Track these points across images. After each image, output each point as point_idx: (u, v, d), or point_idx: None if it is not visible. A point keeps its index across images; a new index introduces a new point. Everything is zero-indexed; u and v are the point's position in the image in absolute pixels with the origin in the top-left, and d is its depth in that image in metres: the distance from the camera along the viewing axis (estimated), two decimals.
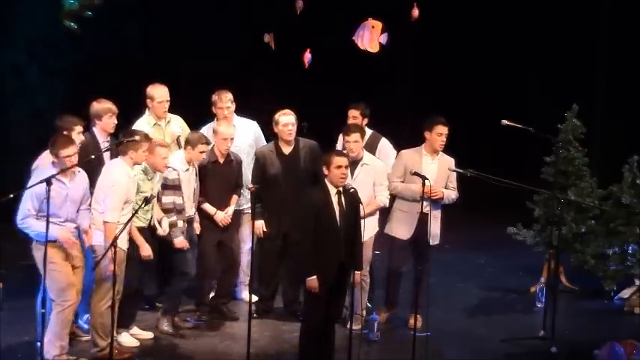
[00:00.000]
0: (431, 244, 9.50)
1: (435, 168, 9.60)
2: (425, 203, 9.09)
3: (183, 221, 9.27)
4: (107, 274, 8.40)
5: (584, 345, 9.26)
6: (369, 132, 10.05)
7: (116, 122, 9.33)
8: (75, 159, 8.25)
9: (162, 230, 9.10)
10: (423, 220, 9.41)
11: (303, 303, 8.65)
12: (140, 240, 8.88)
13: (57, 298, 8.26)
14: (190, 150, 9.33)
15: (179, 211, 9.23)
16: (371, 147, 9.98)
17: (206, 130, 10.02)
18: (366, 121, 10.13)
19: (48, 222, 7.93)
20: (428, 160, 9.67)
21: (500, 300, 11.16)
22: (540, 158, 11.31)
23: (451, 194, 9.66)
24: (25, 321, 9.09)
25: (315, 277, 8.13)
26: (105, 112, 9.27)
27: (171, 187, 9.21)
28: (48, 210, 7.93)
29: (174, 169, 9.24)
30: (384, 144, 10.16)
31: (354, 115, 10.10)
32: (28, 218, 8.15)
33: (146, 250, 8.89)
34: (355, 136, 9.44)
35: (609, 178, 11.39)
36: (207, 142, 9.45)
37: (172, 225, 9.15)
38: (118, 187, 8.56)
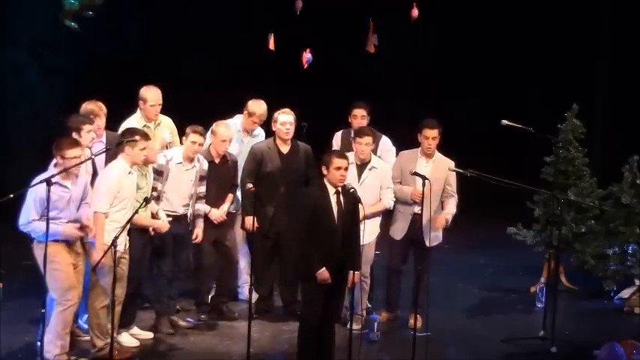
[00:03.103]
0: (428, 245, 9.42)
1: (429, 170, 9.54)
2: (418, 205, 9.17)
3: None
4: (103, 274, 8.42)
5: (584, 345, 9.26)
6: None
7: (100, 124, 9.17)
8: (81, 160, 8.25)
9: (161, 221, 9.08)
10: (416, 222, 9.45)
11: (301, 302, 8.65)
12: (149, 222, 8.95)
13: (59, 298, 8.24)
14: (185, 140, 9.31)
15: (157, 197, 9.21)
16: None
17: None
18: (368, 119, 10.12)
19: (48, 222, 7.93)
20: (422, 163, 9.64)
21: (500, 300, 11.16)
22: (540, 158, 11.31)
23: (451, 203, 9.60)
24: (25, 321, 9.10)
25: (324, 268, 8.08)
26: (89, 113, 9.10)
27: (156, 171, 9.22)
28: (48, 210, 7.94)
29: (165, 156, 9.24)
30: (385, 142, 10.15)
31: (362, 115, 10.07)
32: (31, 223, 8.13)
33: (161, 225, 8.98)
34: (368, 138, 9.39)
35: (609, 178, 11.38)
36: (200, 133, 9.31)
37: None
38: (109, 178, 8.56)
